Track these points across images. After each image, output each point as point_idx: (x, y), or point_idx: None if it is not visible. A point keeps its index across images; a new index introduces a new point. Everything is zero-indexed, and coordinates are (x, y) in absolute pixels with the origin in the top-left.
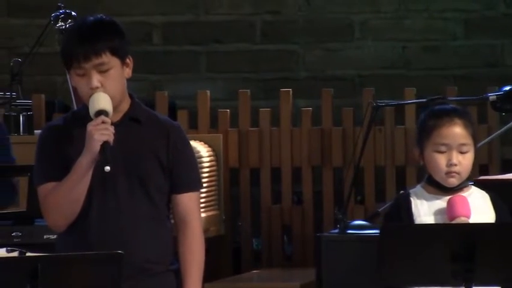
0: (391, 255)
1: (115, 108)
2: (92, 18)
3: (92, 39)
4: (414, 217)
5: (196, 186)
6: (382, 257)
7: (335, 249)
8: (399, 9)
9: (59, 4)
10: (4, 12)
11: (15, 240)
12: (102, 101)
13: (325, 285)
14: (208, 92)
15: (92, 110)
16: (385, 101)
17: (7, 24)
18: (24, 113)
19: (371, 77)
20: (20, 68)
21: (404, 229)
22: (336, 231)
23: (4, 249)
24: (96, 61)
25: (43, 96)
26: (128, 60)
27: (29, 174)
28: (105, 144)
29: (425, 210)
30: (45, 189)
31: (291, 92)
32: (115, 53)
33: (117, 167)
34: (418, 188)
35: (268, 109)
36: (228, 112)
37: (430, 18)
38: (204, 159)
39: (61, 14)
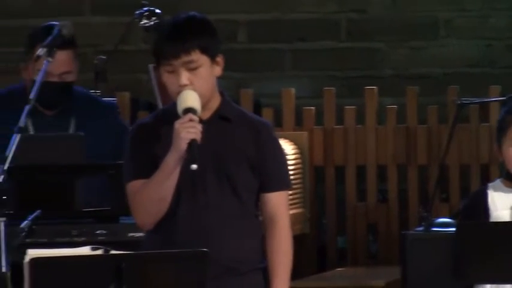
0: (468, 253)
1: (204, 106)
2: (184, 15)
3: (182, 36)
4: (490, 211)
5: (285, 185)
6: (459, 254)
7: (420, 247)
8: (483, 7)
9: (142, 2)
10: (88, 11)
11: (99, 238)
12: (190, 98)
13: (410, 283)
14: (293, 90)
15: (180, 108)
16: (470, 99)
17: (91, 23)
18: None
19: (456, 75)
20: (104, 66)
21: (480, 226)
22: (421, 229)
23: (88, 247)
24: (185, 58)
25: (127, 94)
26: (218, 59)
27: (113, 171)
28: (192, 142)
29: (502, 203)
30: (133, 187)
31: (376, 90)
32: (205, 51)
33: (205, 165)
34: (497, 182)
35: (353, 107)
36: (313, 110)
37: None
38: (289, 157)
39: (145, 11)
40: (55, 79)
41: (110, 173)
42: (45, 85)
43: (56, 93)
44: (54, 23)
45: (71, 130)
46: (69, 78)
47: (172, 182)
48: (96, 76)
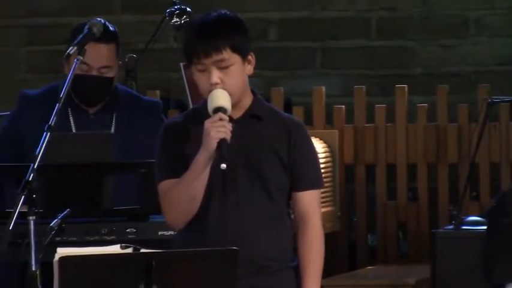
0: (499, 251)
1: (236, 104)
2: (215, 13)
3: (212, 35)
4: None
5: (317, 183)
6: (489, 253)
7: (450, 245)
8: None
9: (173, 0)
10: (118, 9)
11: (129, 236)
12: (220, 98)
13: (440, 281)
14: (323, 88)
15: (210, 107)
16: (500, 97)
17: (121, 21)
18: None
19: (486, 73)
20: (134, 65)
21: (510, 225)
22: (451, 227)
23: (118, 245)
24: (216, 57)
25: (158, 92)
26: (249, 57)
27: (144, 170)
28: (222, 141)
29: None
30: (164, 186)
31: (406, 89)
32: (236, 49)
33: (237, 164)
34: None
35: (384, 105)
36: (344, 108)
37: None
38: (320, 156)
39: (176, 9)
40: (94, 72)
41: (141, 171)
42: (83, 79)
43: (94, 87)
44: (97, 19)
45: (113, 128)
46: (109, 73)
47: (203, 181)
48: (126, 74)
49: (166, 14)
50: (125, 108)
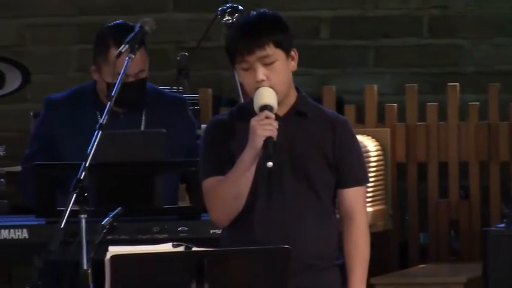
0: None
1: (281, 102)
2: (254, 12)
3: (254, 32)
4: None
5: (362, 181)
6: None
7: (502, 243)
8: None
9: None
10: (170, 7)
11: (181, 235)
12: (266, 95)
13: (492, 279)
14: (375, 86)
15: (257, 105)
16: None
17: (173, 19)
18: (191, 107)
19: None
20: (186, 63)
21: None
22: (503, 225)
23: (170, 244)
24: (259, 54)
25: (210, 90)
26: (292, 53)
27: (194, 168)
28: (268, 139)
29: None
30: (209, 183)
31: (458, 87)
32: (279, 45)
33: (282, 162)
34: None
35: (436, 104)
36: (396, 107)
37: None
38: (372, 154)
39: (228, 8)
40: (131, 79)
41: (192, 169)
42: (123, 86)
43: (135, 93)
44: (120, 21)
45: (142, 126)
46: (144, 74)
47: (248, 179)
48: (178, 73)
49: (218, 12)
50: (153, 105)
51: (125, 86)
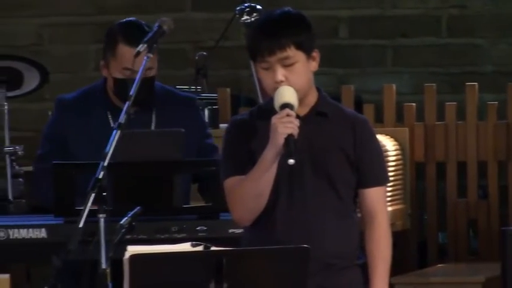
0: None
1: (301, 101)
2: (278, 11)
3: (276, 33)
4: None
5: (383, 180)
6: None
7: None
8: None
9: None
10: (188, 6)
11: (199, 234)
12: (287, 94)
13: (511, 279)
14: (394, 86)
15: (277, 104)
16: None
17: (192, 18)
18: (209, 107)
19: None
20: (205, 62)
21: None
22: None
23: (189, 243)
24: (280, 55)
25: (228, 90)
26: (314, 54)
27: (213, 168)
28: (289, 137)
29: None
30: (230, 183)
31: (476, 86)
32: (300, 47)
33: (303, 161)
34: None
35: (454, 103)
36: (414, 106)
37: None
38: (390, 153)
39: (246, 7)
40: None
41: (211, 169)
42: (131, 83)
43: (142, 91)
44: (131, 19)
45: (153, 125)
46: (152, 73)
47: (270, 177)
48: (196, 72)
49: (237, 12)
50: (163, 104)
51: (130, 82)
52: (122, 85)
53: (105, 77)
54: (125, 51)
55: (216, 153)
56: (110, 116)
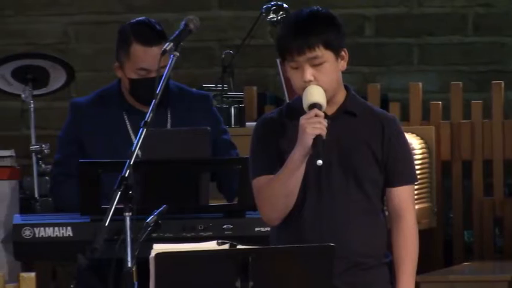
0: None
1: (329, 100)
2: (308, 10)
3: (305, 32)
4: None
5: (411, 179)
6: None
7: None
8: None
9: None
10: (215, 5)
11: (226, 232)
12: (315, 94)
13: None
14: (420, 84)
15: (306, 103)
16: None
17: (218, 17)
18: (235, 105)
19: None
20: (231, 61)
21: None
22: None
23: (215, 242)
24: (309, 55)
25: (255, 88)
26: (343, 53)
27: (240, 166)
28: (317, 137)
29: None
30: (259, 182)
31: (502, 85)
32: (329, 46)
33: (331, 161)
34: None
35: (480, 101)
36: (440, 104)
37: None
38: (416, 152)
39: (272, 6)
40: (153, 74)
41: (237, 167)
42: (144, 82)
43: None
44: (143, 18)
45: (169, 124)
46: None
47: (298, 177)
48: (223, 71)
49: (263, 10)
50: (178, 103)
51: (146, 81)
52: (137, 85)
53: (120, 78)
54: (139, 51)
55: (232, 149)
56: (125, 116)
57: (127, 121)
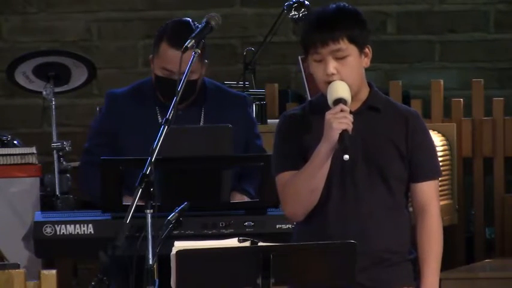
0: None
1: (354, 97)
2: (334, 5)
3: (330, 24)
4: None
5: (435, 174)
6: None
7: None
8: None
9: None
10: (237, 2)
11: (247, 230)
12: (340, 89)
13: None
14: (441, 81)
15: (331, 99)
16: None
17: (240, 14)
18: (257, 102)
19: None
20: (253, 57)
21: None
22: None
23: (236, 239)
24: (333, 47)
25: (276, 85)
26: (366, 50)
27: (262, 163)
28: (343, 132)
29: None
30: (283, 178)
31: None
32: (353, 40)
33: (356, 156)
34: None
35: (502, 98)
36: (462, 101)
37: None
38: (438, 149)
39: (294, 3)
40: (176, 77)
41: (259, 164)
42: (167, 81)
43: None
44: (185, 19)
45: (201, 122)
46: (193, 76)
47: (324, 173)
48: (245, 67)
49: (285, 7)
50: (213, 102)
51: (168, 81)
52: (161, 82)
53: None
54: (167, 51)
55: None
56: (158, 111)
57: (159, 116)
